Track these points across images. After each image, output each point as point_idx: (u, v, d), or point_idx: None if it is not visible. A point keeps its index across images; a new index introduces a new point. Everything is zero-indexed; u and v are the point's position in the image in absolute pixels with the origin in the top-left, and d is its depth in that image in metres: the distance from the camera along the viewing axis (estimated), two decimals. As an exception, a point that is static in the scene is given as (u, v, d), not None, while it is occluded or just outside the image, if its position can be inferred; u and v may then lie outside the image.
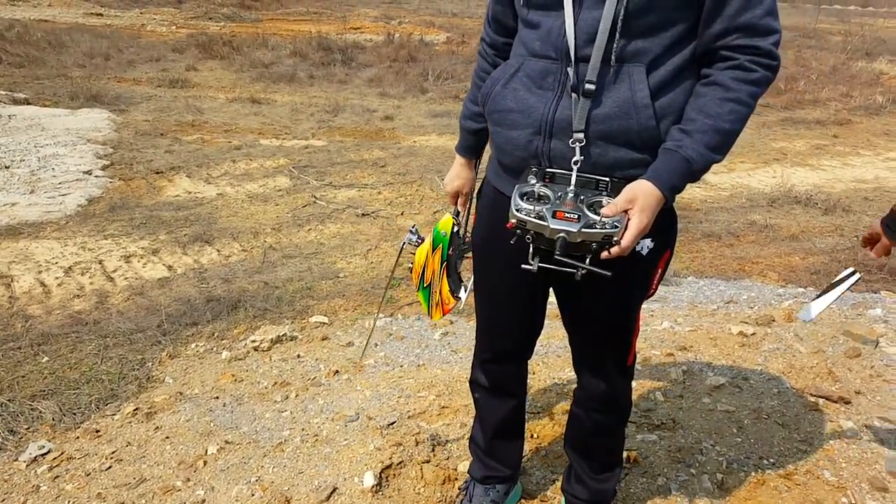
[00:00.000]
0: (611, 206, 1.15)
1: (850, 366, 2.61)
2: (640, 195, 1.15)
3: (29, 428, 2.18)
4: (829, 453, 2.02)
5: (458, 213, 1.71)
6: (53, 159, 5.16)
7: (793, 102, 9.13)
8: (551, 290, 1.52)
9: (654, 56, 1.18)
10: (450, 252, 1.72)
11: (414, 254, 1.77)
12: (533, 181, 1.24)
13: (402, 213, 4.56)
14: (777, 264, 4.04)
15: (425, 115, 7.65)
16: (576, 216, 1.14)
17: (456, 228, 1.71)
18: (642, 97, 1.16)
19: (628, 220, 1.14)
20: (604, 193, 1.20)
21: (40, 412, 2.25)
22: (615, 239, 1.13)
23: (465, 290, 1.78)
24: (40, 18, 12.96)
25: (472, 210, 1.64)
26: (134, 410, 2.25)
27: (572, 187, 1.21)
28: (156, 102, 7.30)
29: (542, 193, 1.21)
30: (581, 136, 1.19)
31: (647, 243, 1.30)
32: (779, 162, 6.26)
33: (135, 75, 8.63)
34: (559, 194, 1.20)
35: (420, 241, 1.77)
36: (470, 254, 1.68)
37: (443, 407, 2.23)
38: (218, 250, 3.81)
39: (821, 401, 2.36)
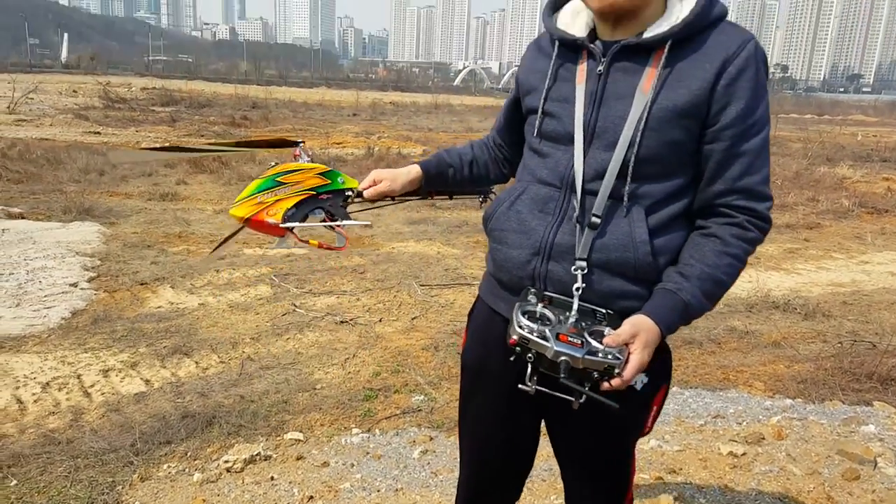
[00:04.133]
0: (613, 337, 1.17)
1: (850, 489, 2.51)
2: (643, 330, 1.18)
3: (-10, 554, 2.13)
4: None
5: (360, 193, 1.61)
6: (42, 272, 5.24)
7: (761, 206, 9.46)
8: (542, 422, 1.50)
9: (655, 200, 1.26)
10: (324, 195, 1.61)
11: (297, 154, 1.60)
12: (533, 300, 1.25)
13: (380, 320, 4.63)
14: (762, 373, 4.02)
15: (403, 222, 7.89)
16: (580, 341, 1.15)
17: (350, 193, 1.57)
18: (641, 233, 1.24)
19: (629, 353, 1.17)
20: (603, 323, 1.22)
21: (3, 537, 2.20)
22: (617, 371, 1.14)
23: (293, 227, 1.59)
24: (42, 137, 13.45)
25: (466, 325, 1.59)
26: (99, 534, 2.21)
27: (574, 312, 1.23)
28: (145, 215, 7.50)
29: (543, 314, 1.22)
30: (584, 263, 1.25)
31: (642, 378, 1.32)
32: (753, 266, 6.39)
33: (127, 189, 8.90)
34: (560, 318, 1.21)
35: (309, 160, 1.65)
36: (333, 212, 1.59)
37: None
38: (196, 362, 3.83)
39: None
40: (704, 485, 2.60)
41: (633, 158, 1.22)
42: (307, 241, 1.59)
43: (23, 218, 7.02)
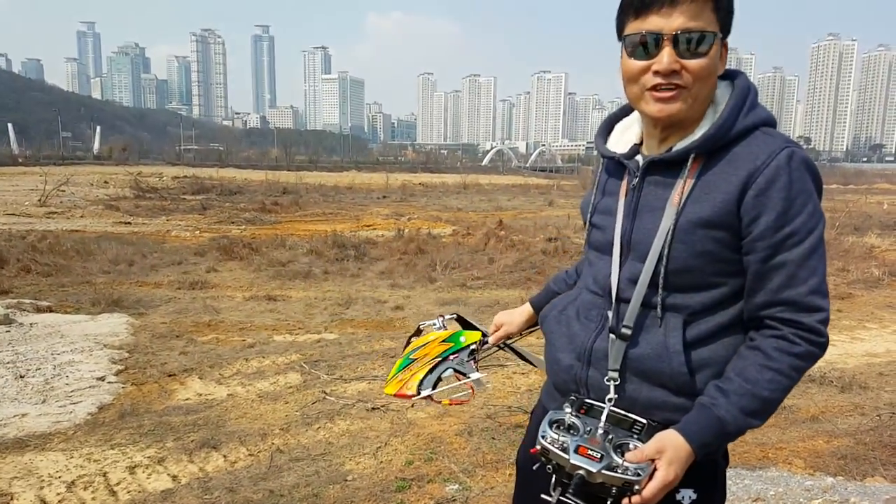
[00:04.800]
0: (636, 453, 1.15)
1: None
2: (670, 447, 1.15)
3: None
4: None
5: (485, 339, 1.74)
6: (69, 366, 5.23)
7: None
8: None
9: (693, 311, 1.25)
10: (451, 356, 1.71)
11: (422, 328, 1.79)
12: (567, 409, 1.25)
13: (412, 406, 4.49)
14: (801, 449, 3.87)
15: (434, 303, 7.82)
16: (599, 455, 1.14)
17: (474, 346, 1.73)
18: (674, 343, 1.23)
19: (654, 469, 1.13)
20: (636, 436, 1.19)
21: None
22: (636, 487, 1.11)
23: (429, 395, 1.70)
24: (72, 229, 13.85)
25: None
26: None
27: (603, 423, 1.22)
28: (174, 304, 7.55)
29: (571, 423, 1.21)
30: (616, 374, 1.26)
31: (690, 494, 1.25)
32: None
33: (156, 279, 9.01)
34: (588, 428, 1.20)
35: (441, 328, 1.79)
36: (460, 371, 1.68)
37: None
38: (224, 456, 3.71)
39: None
40: None
41: (663, 269, 1.24)
42: (440, 402, 1.73)
43: (51, 311, 7.10)
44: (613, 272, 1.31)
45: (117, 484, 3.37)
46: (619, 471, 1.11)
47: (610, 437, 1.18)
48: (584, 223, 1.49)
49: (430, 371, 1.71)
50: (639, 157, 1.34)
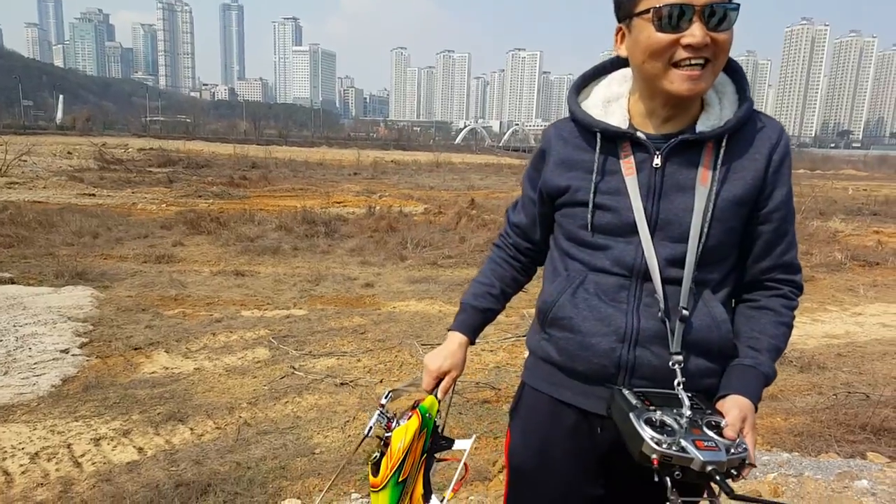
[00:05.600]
0: (733, 428, 1.15)
1: None
2: (748, 413, 1.20)
3: None
4: None
5: (437, 399, 1.47)
6: (31, 339, 5.15)
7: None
8: None
9: (716, 283, 1.32)
10: (430, 443, 1.44)
11: (389, 436, 1.38)
12: (638, 403, 1.19)
13: (381, 381, 4.53)
14: (759, 426, 4.00)
15: (405, 281, 7.85)
16: (713, 444, 1.11)
17: (437, 421, 1.46)
18: (720, 313, 1.29)
19: (744, 437, 1.17)
20: (708, 412, 1.19)
21: None
22: (747, 461, 1.12)
23: (441, 501, 1.43)
24: (34, 200, 13.48)
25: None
26: None
27: (688, 410, 1.17)
28: (140, 278, 7.44)
29: (661, 420, 1.15)
30: (680, 357, 1.25)
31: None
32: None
33: (122, 252, 8.86)
34: (676, 419, 1.15)
35: (395, 424, 1.39)
36: (446, 454, 1.46)
37: None
38: (191, 429, 3.71)
39: None
40: None
41: (701, 248, 1.26)
42: (448, 498, 1.44)
43: (13, 283, 6.95)
44: (649, 253, 1.27)
45: (82, 455, 3.36)
46: (734, 451, 1.11)
47: (696, 420, 1.16)
48: (559, 205, 1.39)
49: (425, 478, 1.46)
50: (640, 134, 1.28)
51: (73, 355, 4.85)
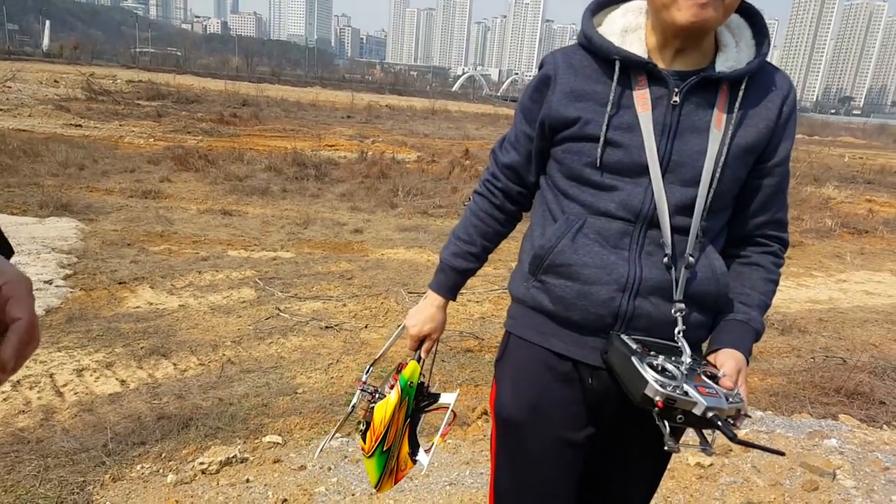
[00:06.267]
0: (730, 378, 1.16)
1: (808, 500, 2.61)
2: (742, 366, 1.21)
3: (-50, 560, 2.04)
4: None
5: (420, 360, 1.53)
6: (15, 268, 5.11)
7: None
8: None
9: (714, 234, 1.30)
10: (414, 406, 1.52)
11: (371, 410, 1.47)
12: (639, 350, 1.17)
13: (366, 326, 4.56)
14: None
15: (394, 229, 7.83)
16: (714, 391, 1.11)
17: (422, 378, 1.53)
18: (720, 265, 1.27)
19: (739, 389, 1.18)
20: (703, 362, 1.21)
21: (-35, 542, 2.11)
22: (743, 411, 1.14)
23: (426, 453, 1.54)
24: (19, 128, 13.19)
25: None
26: (67, 540, 2.12)
27: (688, 359, 1.17)
28: (126, 212, 7.37)
29: (663, 366, 1.14)
30: (683, 305, 1.23)
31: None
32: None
33: (108, 185, 8.74)
34: (677, 367, 1.14)
35: (378, 396, 1.49)
36: (432, 408, 1.51)
37: (392, 545, 2.15)
38: (174, 364, 3.74)
39: None
40: (670, 494, 2.64)
41: (711, 194, 1.21)
42: (436, 445, 1.54)
43: (-2, 211, 6.86)
44: (659, 197, 1.21)
45: (64, 385, 3.38)
46: (731, 400, 1.11)
47: (696, 369, 1.16)
48: (565, 138, 1.29)
49: (411, 436, 1.54)
50: (661, 68, 1.22)
51: (56, 286, 4.83)
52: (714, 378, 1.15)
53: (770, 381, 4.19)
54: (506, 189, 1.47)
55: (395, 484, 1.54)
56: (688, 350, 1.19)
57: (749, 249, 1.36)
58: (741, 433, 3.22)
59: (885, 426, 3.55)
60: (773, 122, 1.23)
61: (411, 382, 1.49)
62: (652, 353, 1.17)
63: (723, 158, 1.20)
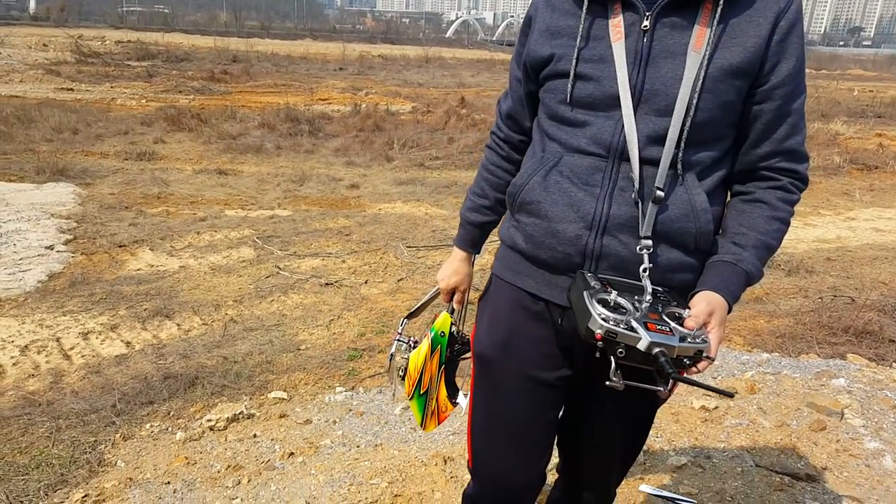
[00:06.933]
0: (694, 319, 1.11)
1: (816, 440, 2.59)
2: (718, 308, 1.15)
3: (-28, 519, 2.12)
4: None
5: (453, 311, 1.62)
6: (15, 235, 5.14)
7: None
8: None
9: (704, 167, 1.20)
10: (448, 354, 1.62)
11: (406, 358, 1.61)
12: (597, 285, 1.14)
13: (365, 282, 4.61)
14: (742, 328, 4.06)
15: (391, 182, 7.80)
16: (667, 328, 1.07)
17: (453, 328, 1.61)
18: (701, 201, 1.18)
19: (707, 332, 1.12)
20: (673, 303, 1.15)
21: (-15, 501, 2.19)
22: (705, 354, 1.09)
23: (465, 396, 1.63)
24: (11, 94, 13.02)
25: (472, 311, 1.55)
26: (83, 498, 2.21)
27: (649, 296, 1.14)
28: (122, 175, 7.34)
29: (617, 302, 1.11)
30: (650, 242, 1.17)
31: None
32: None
33: (102, 149, 8.68)
34: (634, 304, 1.12)
35: (413, 345, 1.62)
36: (468, 355, 1.56)
37: (396, 496, 2.22)
38: (178, 325, 3.80)
39: (787, 479, 2.31)
40: (674, 438, 2.65)
41: (689, 123, 1.14)
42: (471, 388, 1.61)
43: (-5, 178, 6.85)
44: (629, 129, 1.15)
45: (71, 349, 3.44)
46: (690, 340, 1.07)
47: (658, 308, 1.12)
48: (544, 77, 1.27)
49: (447, 383, 1.63)
50: None
51: (57, 252, 4.86)
52: (680, 319, 1.11)
53: (777, 322, 4.16)
54: (508, 139, 1.46)
55: (438, 424, 1.66)
56: (649, 288, 1.15)
57: (753, 185, 1.25)
58: (746, 377, 3.23)
59: (894, 364, 3.50)
60: (763, 41, 1.13)
61: (442, 332, 1.60)
62: (612, 290, 1.14)
63: (700, 83, 1.12)
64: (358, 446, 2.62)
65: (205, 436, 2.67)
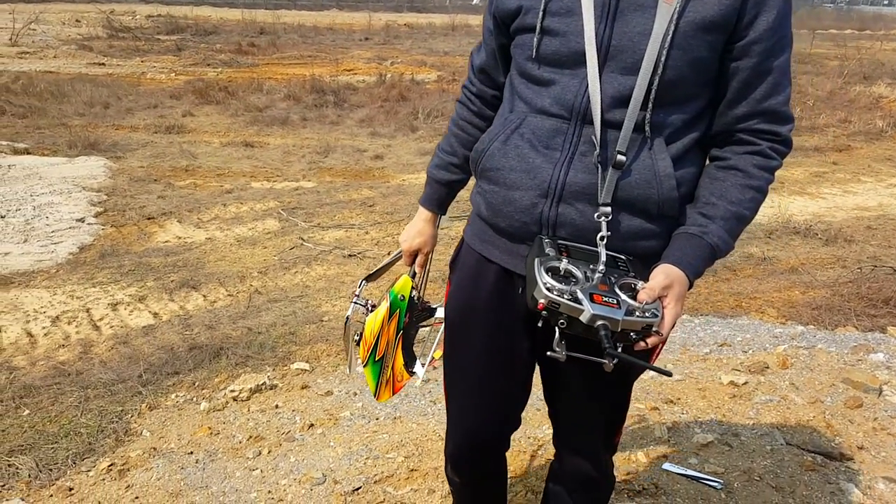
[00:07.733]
0: (648, 292, 1.06)
1: (852, 417, 2.48)
2: (676, 282, 1.09)
3: (4, 485, 2.19)
4: (829, 522, 1.87)
5: (414, 275, 1.55)
6: (48, 207, 5.25)
7: (786, 130, 9.19)
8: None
9: (674, 129, 1.14)
10: (406, 319, 1.55)
11: (363, 322, 1.52)
12: (552, 253, 1.10)
13: (388, 253, 4.59)
14: (776, 299, 3.95)
15: (415, 153, 7.75)
16: (615, 301, 1.03)
17: (414, 292, 1.55)
18: (665, 167, 1.12)
19: (663, 307, 1.07)
20: (630, 274, 1.11)
21: (17, 468, 2.26)
22: (654, 329, 1.04)
23: (423, 365, 1.59)
24: (46, 70, 13.21)
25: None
26: (109, 466, 2.26)
27: (602, 266, 1.09)
28: (151, 148, 7.43)
29: (568, 270, 1.08)
30: (608, 209, 1.11)
31: None
32: (776, 191, 6.18)
33: (132, 122, 8.79)
34: (586, 273, 1.07)
35: (370, 308, 1.54)
36: (429, 321, 1.54)
37: (411, 470, 2.23)
38: (204, 296, 3.85)
39: (819, 458, 2.22)
40: (701, 414, 2.57)
41: (657, 82, 1.06)
42: (434, 358, 1.57)
43: (28, 153, 6.97)
44: (593, 88, 1.08)
45: (100, 319, 3.52)
46: (639, 314, 1.03)
47: (611, 278, 1.08)
48: (513, 31, 1.21)
49: (405, 350, 1.58)
50: None
51: (88, 224, 4.95)
52: (634, 291, 1.07)
53: (812, 293, 4.01)
54: (481, 94, 1.41)
55: (393, 394, 1.60)
56: (603, 258, 1.10)
57: (728, 149, 1.18)
58: (778, 351, 3.13)
59: (938, 338, 3.33)
60: None
61: (402, 296, 1.52)
62: (567, 258, 1.10)
63: (669, 39, 1.05)
64: (377, 419, 2.63)
65: (228, 406, 2.71)
